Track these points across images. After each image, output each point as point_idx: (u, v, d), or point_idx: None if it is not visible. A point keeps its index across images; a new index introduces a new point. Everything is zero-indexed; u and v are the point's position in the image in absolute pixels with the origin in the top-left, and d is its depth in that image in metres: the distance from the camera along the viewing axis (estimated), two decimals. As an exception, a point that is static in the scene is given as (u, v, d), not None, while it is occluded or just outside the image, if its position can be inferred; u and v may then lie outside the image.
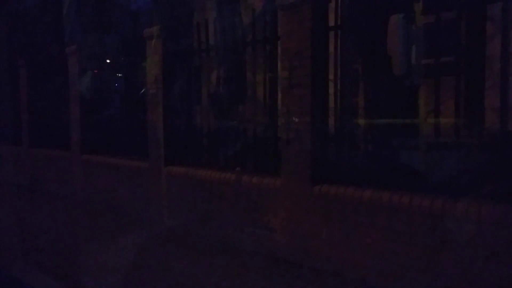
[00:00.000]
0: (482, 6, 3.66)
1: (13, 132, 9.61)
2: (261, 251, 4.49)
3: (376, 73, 4.28)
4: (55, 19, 10.75)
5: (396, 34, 3.96)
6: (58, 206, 7.39)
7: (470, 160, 3.44)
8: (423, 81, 3.90)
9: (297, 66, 4.15)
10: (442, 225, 3.25)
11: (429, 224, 3.32)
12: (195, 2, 8.55)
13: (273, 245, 4.40)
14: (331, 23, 4.22)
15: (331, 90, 4.24)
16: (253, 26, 4.84)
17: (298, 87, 4.15)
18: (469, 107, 3.66)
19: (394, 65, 4.05)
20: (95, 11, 10.06)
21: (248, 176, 4.65)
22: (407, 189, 3.54)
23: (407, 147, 4.20)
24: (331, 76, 4.25)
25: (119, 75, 7.61)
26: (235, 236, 4.75)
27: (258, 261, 4.33)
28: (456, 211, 3.19)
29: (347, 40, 4.24)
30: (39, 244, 5.28)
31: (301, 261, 4.15)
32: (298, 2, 4.11)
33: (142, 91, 6.29)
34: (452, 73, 3.65)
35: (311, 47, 4.06)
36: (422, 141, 3.84)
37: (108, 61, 7.63)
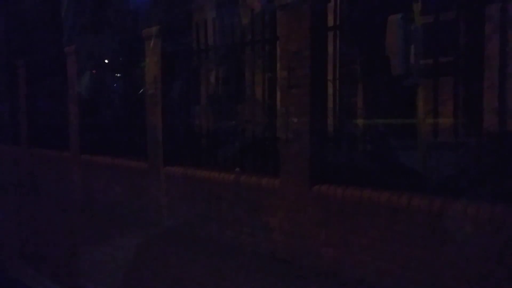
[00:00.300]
0: (481, 6, 3.66)
1: (12, 132, 9.60)
2: (260, 251, 4.49)
3: (375, 73, 4.28)
4: (54, 19, 10.74)
5: (395, 34, 3.95)
6: (57, 207, 7.38)
7: (469, 160, 3.45)
8: (422, 81, 3.90)
9: (296, 66, 4.15)
10: (441, 225, 3.25)
11: (428, 224, 3.32)
12: (194, 3, 8.55)
13: (272, 245, 4.39)
14: (330, 23, 4.23)
15: (330, 90, 4.25)
16: (252, 26, 4.84)
17: (297, 87, 4.15)
18: (467, 107, 3.66)
19: (392, 65, 4.05)
20: (93, 11, 10.05)
21: (247, 176, 4.66)
22: (406, 189, 3.54)
23: (406, 147, 4.20)
24: (330, 76, 4.25)
25: (118, 75, 7.59)
26: (234, 236, 4.75)
27: (257, 261, 4.33)
28: (454, 211, 3.19)
29: (346, 41, 4.24)
30: (38, 245, 5.27)
31: (300, 261, 4.15)
32: (297, 2, 4.12)
33: (141, 91, 6.29)
34: (451, 73, 3.65)
35: (310, 47, 4.06)
36: (421, 141, 3.84)
37: (107, 61, 7.62)
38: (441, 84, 3.62)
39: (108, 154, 6.77)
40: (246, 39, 4.98)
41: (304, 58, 4.09)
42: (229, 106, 5.40)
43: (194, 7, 8.29)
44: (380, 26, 4.00)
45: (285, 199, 4.27)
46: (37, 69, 8.82)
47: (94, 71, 7.43)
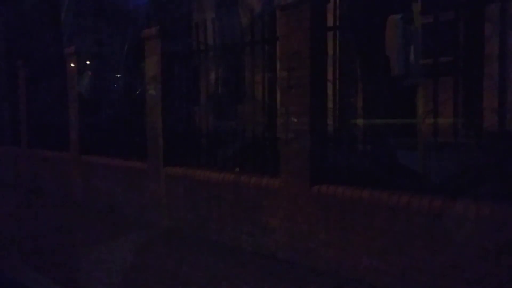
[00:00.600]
0: (480, 7, 3.67)
1: (12, 133, 9.61)
2: (260, 251, 4.49)
3: (375, 73, 4.27)
4: (54, 20, 10.75)
5: (395, 35, 3.95)
6: (57, 207, 7.38)
7: (469, 160, 3.45)
8: (422, 81, 3.90)
9: (295, 67, 4.15)
10: (441, 225, 3.25)
11: (428, 224, 3.32)
12: (194, 3, 8.55)
13: (272, 245, 4.40)
14: (330, 23, 4.23)
15: (330, 91, 4.25)
16: (252, 26, 4.84)
17: (296, 88, 4.15)
18: (467, 107, 3.66)
19: (392, 65, 4.05)
20: (93, 12, 10.06)
21: (247, 177, 4.66)
22: (406, 189, 3.55)
23: (406, 147, 4.20)
24: (329, 77, 4.25)
25: (118, 75, 7.60)
26: (234, 236, 4.75)
27: (257, 262, 4.33)
28: (454, 211, 3.19)
29: (346, 41, 4.25)
30: (38, 246, 5.27)
31: (300, 261, 4.15)
32: (297, 2, 4.12)
33: (138, 91, 6.29)
34: (451, 73, 3.65)
35: (310, 47, 4.06)
36: (421, 141, 3.84)
37: (106, 62, 7.62)
38: (441, 84, 3.62)
39: (108, 154, 6.78)
40: (246, 39, 4.98)
41: (303, 58, 4.10)
42: (229, 106, 5.40)
43: (193, 8, 8.29)
44: (380, 26, 4.00)
45: (285, 199, 4.27)
46: (37, 70, 8.83)
47: (93, 72, 7.43)
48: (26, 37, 10.80)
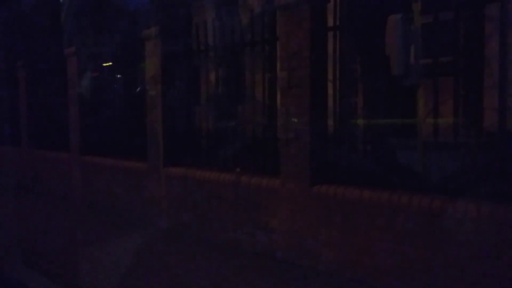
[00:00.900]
0: (480, 6, 3.66)
1: (13, 133, 9.61)
2: (260, 251, 4.49)
3: (375, 73, 4.27)
4: (54, 21, 10.75)
5: (395, 34, 3.95)
6: (58, 208, 7.38)
7: (469, 160, 3.44)
8: (422, 81, 3.89)
9: (296, 67, 4.15)
10: (441, 225, 3.25)
11: (428, 223, 3.32)
12: (194, 3, 8.55)
13: (272, 245, 4.39)
14: (330, 23, 4.23)
15: (330, 91, 4.24)
16: (252, 26, 4.84)
17: (297, 88, 4.15)
18: (467, 107, 3.66)
19: (392, 65, 4.04)
20: (93, 12, 10.06)
21: (247, 177, 4.65)
22: (406, 189, 3.54)
23: (406, 147, 4.20)
24: (330, 77, 4.25)
25: (118, 76, 7.60)
26: (234, 236, 4.75)
27: (257, 262, 4.33)
28: (455, 211, 3.19)
29: (346, 41, 4.24)
30: (39, 246, 5.28)
31: (300, 261, 4.15)
32: (297, 2, 4.12)
33: (138, 89, 6.28)
34: (451, 73, 3.65)
35: (310, 47, 4.06)
36: (421, 141, 3.83)
37: (106, 62, 7.63)
38: (441, 84, 3.62)
39: (108, 155, 6.78)
40: (246, 40, 4.98)
41: (304, 58, 4.09)
42: (229, 106, 5.40)
43: (193, 8, 8.29)
44: (380, 26, 4.00)
45: (285, 199, 4.27)
46: (38, 70, 8.83)
47: (94, 74, 7.44)
48: (26, 37, 10.80)
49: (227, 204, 4.83)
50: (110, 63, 7.55)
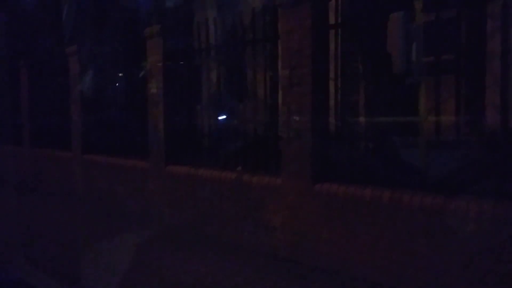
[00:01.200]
0: (482, 4, 3.66)
1: (15, 132, 9.63)
2: (262, 249, 4.49)
3: (377, 71, 4.27)
4: (56, 19, 10.76)
5: (396, 32, 3.94)
6: (60, 206, 7.39)
7: (471, 158, 3.44)
8: (424, 79, 3.89)
9: (297, 65, 4.15)
10: (443, 223, 3.24)
11: (430, 221, 3.32)
12: (196, 1, 8.54)
13: (274, 243, 4.39)
14: (331, 21, 4.22)
15: (332, 89, 4.24)
16: (253, 25, 4.84)
17: (298, 86, 4.15)
18: (469, 105, 3.65)
19: (394, 63, 4.04)
20: (95, 11, 10.06)
21: (249, 175, 4.65)
22: (408, 187, 3.54)
23: (408, 145, 4.20)
24: (331, 75, 4.24)
25: (120, 75, 7.61)
26: (236, 235, 4.75)
27: (259, 260, 4.33)
28: (457, 209, 3.18)
29: (347, 39, 4.24)
30: (41, 243, 5.29)
31: (302, 260, 4.14)
32: (298, 0, 4.11)
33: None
34: (453, 71, 3.64)
35: (311, 45, 4.06)
36: (423, 139, 3.83)
37: (108, 61, 7.63)
38: (443, 82, 3.61)
39: (110, 153, 6.79)
40: (248, 38, 4.98)
41: (305, 56, 4.09)
42: (230, 105, 5.40)
43: (195, 6, 8.28)
44: (382, 24, 3.99)
45: (287, 198, 4.27)
46: (39, 69, 8.84)
47: (95, 71, 7.44)
48: (28, 36, 10.81)
49: (229, 203, 4.83)
50: (112, 62, 7.55)
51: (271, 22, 4.75)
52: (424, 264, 3.36)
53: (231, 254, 4.52)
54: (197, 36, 5.45)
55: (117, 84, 7.64)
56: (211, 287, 3.84)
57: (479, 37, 3.72)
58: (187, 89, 5.70)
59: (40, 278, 4.24)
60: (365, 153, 4.26)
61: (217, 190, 4.95)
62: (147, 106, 5.93)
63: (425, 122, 3.80)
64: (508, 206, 3.04)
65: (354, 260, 3.78)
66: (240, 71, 5.32)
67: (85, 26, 9.92)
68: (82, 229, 5.99)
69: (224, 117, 5.17)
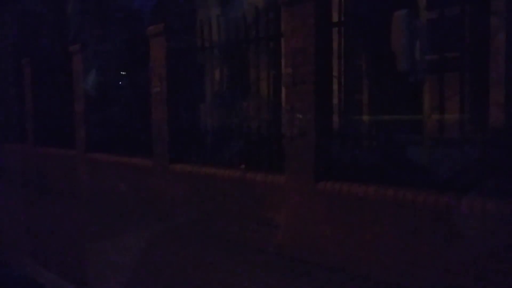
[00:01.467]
0: (486, 1, 3.64)
1: (18, 130, 9.66)
2: (265, 247, 4.49)
3: (380, 69, 4.27)
4: (59, 18, 10.78)
5: (400, 30, 3.94)
6: (64, 204, 7.42)
7: (475, 156, 3.43)
8: (428, 77, 3.88)
9: (300, 63, 4.14)
10: (447, 221, 3.24)
11: (434, 220, 3.31)
12: (199, 0, 8.54)
13: (278, 241, 4.40)
14: (335, 19, 4.22)
15: (335, 87, 4.24)
16: (257, 23, 4.84)
17: (301, 84, 4.15)
18: (473, 103, 3.64)
19: (398, 61, 4.03)
20: (98, 9, 10.08)
21: (252, 173, 4.66)
22: (412, 185, 3.53)
23: (412, 143, 4.19)
24: (335, 73, 4.24)
25: (123, 73, 7.62)
26: (239, 233, 4.76)
27: (262, 258, 4.34)
28: (461, 207, 3.18)
29: (351, 37, 4.23)
30: (45, 240, 5.31)
31: (305, 258, 4.15)
32: (301, -2, 4.11)
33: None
34: (457, 69, 3.63)
35: (315, 43, 4.05)
36: (427, 137, 3.82)
37: (112, 59, 7.64)
38: (447, 80, 3.60)
39: (114, 152, 6.80)
40: (251, 36, 4.98)
41: (308, 54, 4.08)
42: (234, 103, 5.41)
43: (198, 5, 8.29)
44: (385, 22, 3.99)
45: (290, 196, 4.27)
46: (43, 67, 8.86)
47: (99, 70, 7.46)
48: (32, 35, 10.84)
49: (233, 200, 4.84)
50: (115, 60, 7.57)
51: (274, 20, 4.75)
52: (428, 262, 3.36)
53: (235, 252, 4.53)
54: (201, 35, 5.46)
55: (120, 83, 7.66)
56: (213, 284, 3.84)
57: (483, 34, 3.70)
58: (190, 87, 5.71)
59: (45, 276, 4.26)
60: (369, 151, 4.25)
61: (221, 188, 4.96)
62: (151, 105, 5.94)
63: (429, 120, 3.79)
64: (512, 204, 3.03)
65: (357, 258, 3.78)
66: (243, 69, 5.32)
67: (89, 24, 9.93)
68: (86, 226, 6.01)
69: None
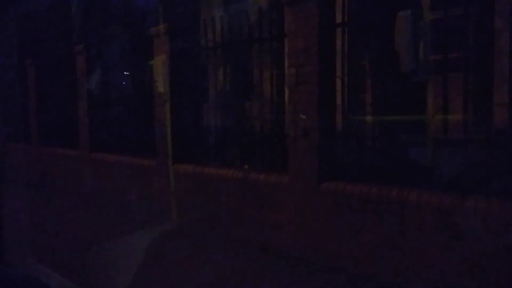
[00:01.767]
0: (490, 1, 3.63)
1: (22, 130, 9.68)
2: (269, 248, 4.49)
3: (384, 69, 4.26)
4: (63, 18, 10.80)
5: (404, 30, 3.93)
6: (67, 204, 7.43)
7: (479, 157, 3.42)
8: (431, 77, 3.87)
9: (304, 63, 4.14)
10: (451, 222, 3.23)
11: (438, 221, 3.31)
12: (202, 0, 8.55)
13: (281, 242, 4.40)
14: (338, 19, 4.21)
15: (338, 87, 4.23)
16: (260, 23, 4.84)
17: (305, 84, 4.14)
18: (477, 103, 3.63)
19: (401, 61, 4.03)
20: (102, 10, 10.09)
21: (255, 174, 4.66)
22: (416, 186, 3.53)
23: (415, 143, 4.19)
24: (338, 73, 4.24)
25: (127, 73, 7.63)
26: (242, 233, 4.76)
27: (266, 258, 4.34)
28: (464, 208, 3.17)
29: (354, 37, 4.23)
30: (50, 242, 5.32)
31: (309, 258, 4.15)
32: (305, -2, 4.10)
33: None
34: (460, 69, 3.62)
35: (318, 44, 4.05)
36: (430, 138, 3.82)
37: (115, 59, 7.66)
38: (451, 80, 3.59)
39: (118, 152, 6.81)
40: (254, 36, 4.98)
41: (312, 54, 4.08)
42: (237, 103, 5.41)
43: (202, 5, 8.29)
44: (389, 22, 3.98)
45: (293, 196, 4.27)
46: (47, 68, 8.88)
47: (103, 70, 7.47)
48: (36, 35, 10.86)
49: (236, 201, 4.84)
50: (119, 60, 7.58)
51: (278, 20, 4.74)
52: (432, 262, 3.35)
53: (238, 252, 4.53)
54: (204, 35, 5.46)
55: (124, 83, 7.67)
56: (215, 284, 3.85)
57: (487, 34, 3.69)
58: (193, 87, 5.71)
59: (49, 275, 4.27)
60: (372, 151, 4.25)
61: (224, 188, 4.96)
62: (154, 105, 5.94)
63: (433, 120, 3.78)
64: (517, 205, 3.02)
65: (361, 258, 3.77)
66: (246, 69, 5.32)
67: (93, 25, 9.95)
68: (90, 226, 6.02)
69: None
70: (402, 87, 4.27)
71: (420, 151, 3.98)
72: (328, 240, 4.00)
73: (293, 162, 4.28)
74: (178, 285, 3.90)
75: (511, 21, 3.36)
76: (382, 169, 3.92)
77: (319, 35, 4.05)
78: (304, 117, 4.14)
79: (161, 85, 5.77)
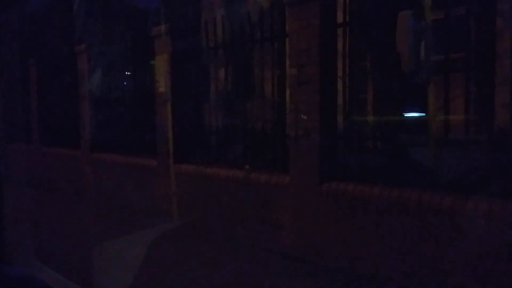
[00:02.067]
0: (492, 2, 3.63)
1: (24, 131, 9.70)
2: (270, 248, 4.49)
3: (385, 69, 4.25)
4: (65, 18, 10.82)
5: (405, 30, 3.92)
6: (68, 204, 7.44)
7: (480, 157, 3.42)
8: (433, 77, 3.87)
9: (305, 63, 4.14)
10: (452, 223, 3.23)
11: (439, 221, 3.30)
12: (203, 0, 8.55)
13: (282, 242, 4.39)
14: (339, 19, 4.21)
15: (340, 87, 4.23)
16: (261, 23, 4.83)
17: (306, 84, 4.14)
18: (479, 104, 3.63)
19: (403, 61, 4.02)
20: (104, 10, 10.10)
21: (256, 174, 4.66)
22: (417, 186, 3.52)
23: (416, 144, 4.18)
24: (339, 73, 4.23)
25: (128, 73, 7.64)
26: (244, 233, 4.76)
27: (267, 258, 4.33)
28: (466, 209, 3.17)
29: (356, 37, 4.22)
30: (51, 242, 5.32)
31: (310, 258, 4.14)
32: (306, -1, 4.10)
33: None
34: (462, 69, 3.62)
35: (319, 44, 4.05)
36: (432, 138, 3.81)
37: (116, 59, 7.66)
38: (452, 81, 3.59)
39: (119, 152, 6.81)
40: (255, 37, 4.98)
41: (313, 55, 4.08)
42: (238, 103, 5.41)
43: (203, 5, 8.30)
44: (390, 22, 3.97)
45: (294, 196, 4.26)
46: (48, 68, 8.90)
47: (104, 70, 7.48)
48: (37, 35, 10.88)
49: (237, 201, 4.84)
50: (120, 60, 7.59)
51: (279, 20, 4.74)
52: (433, 263, 3.34)
53: (239, 252, 4.53)
54: (205, 35, 5.46)
55: (125, 83, 7.67)
56: (217, 283, 3.84)
57: (489, 35, 3.69)
58: (195, 87, 5.71)
59: (51, 275, 4.27)
60: (373, 151, 4.24)
61: (225, 188, 4.96)
62: (155, 105, 5.95)
63: (434, 121, 3.78)
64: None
65: (362, 258, 3.77)
66: (248, 69, 5.32)
67: (94, 25, 9.96)
68: (91, 226, 6.02)
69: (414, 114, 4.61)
70: (404, 87, 4.27)
71: (421, 152, 3.97)
72: (328, 240, 4.00)
73: (294, 163, 4.28)
74: (178, 285, 3.90)
75: (512, 21, 3.36)
76: (383, 170, 3.91)
77: (320, 35, 4.04)
78: (305, 117, 4.14)
79: (162, 85, 5.77)
